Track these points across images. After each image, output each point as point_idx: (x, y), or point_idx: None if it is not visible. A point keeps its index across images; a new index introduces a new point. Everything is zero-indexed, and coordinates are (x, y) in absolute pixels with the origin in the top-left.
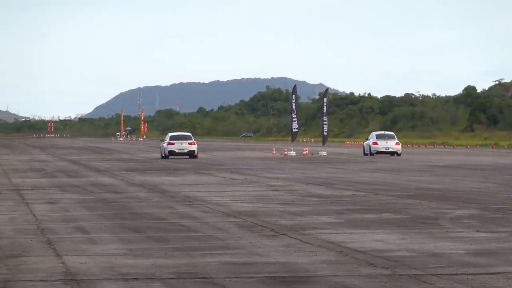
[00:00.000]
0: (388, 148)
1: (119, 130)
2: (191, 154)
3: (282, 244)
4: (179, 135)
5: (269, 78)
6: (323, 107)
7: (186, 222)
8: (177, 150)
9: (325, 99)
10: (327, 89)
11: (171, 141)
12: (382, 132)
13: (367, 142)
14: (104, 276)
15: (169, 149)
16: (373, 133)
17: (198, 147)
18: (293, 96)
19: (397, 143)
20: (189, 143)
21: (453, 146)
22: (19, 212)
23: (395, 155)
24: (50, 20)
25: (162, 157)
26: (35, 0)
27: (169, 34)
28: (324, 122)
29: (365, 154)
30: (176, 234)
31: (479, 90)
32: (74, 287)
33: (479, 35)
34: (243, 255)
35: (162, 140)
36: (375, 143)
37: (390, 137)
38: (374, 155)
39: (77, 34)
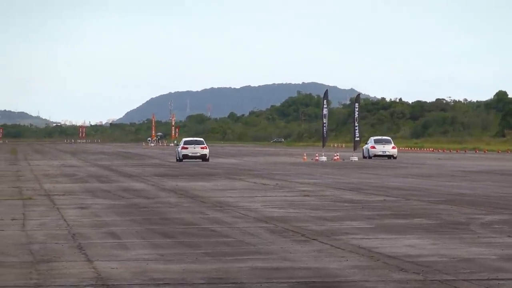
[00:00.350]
0: (385, 151)
1: (150, 135)
2: (203, 158)
3: (313, 249)
4: (193, 140)
5: (300, 83)
6: (355, 112)
7: (217, 227)
8: (190, 154)
9: (356, 104)
10: (358, 94)
11: (185, 146)
12: (380, 137)
13: (366, 146)
14: (135, 281)
15: (183, 153)
16: (371, 138)
17: (211, 151)
18: (325, 101)
19: (393, 147)
20: (201, 148)
21: (484, 152)
22: (50, 217)
23: (392, 158)
24: (81, 25)
25: (177, 160)
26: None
27: (200, 39)
28: (356, 127)
29: (364, 157)
30: (207, 239)
31: (510, 95)
32: None
33: (511, 40)
34: (274, 260)
35: (177, 145)
36: (373, 147)
37: (387, 142)
38: (372, 158)
39: (109, 39)
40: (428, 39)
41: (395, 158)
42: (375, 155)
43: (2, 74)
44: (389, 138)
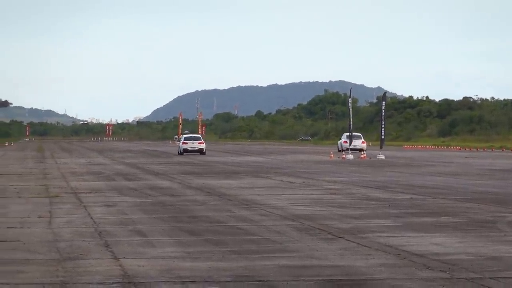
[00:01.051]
0: (356, 146)
1: (177, 134)
2: (200, 151)
3: (339, 247)
4: (192, 136)
5: (327, 81)
6: (381, 111)
7: (243, 225)
8: (189, 148)
9: (383, 103)
10: (385, 93)
11: (185, 141)
12: (352, 134)
13: (340, 141)
14: (161, 279)
15: (183, 147)
16: (344, 134)
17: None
18: (350, 99)
19: (362, 142)
20: (199, 143)
21: (511, 150)
22: (77, 215)
23: (361, 151)
24: (109, 23)
25: (178, 153)
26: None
27: (227, 38)
28: (382, 126)
29: (339, 150)
30: (233, 237)
31: None
32: None
33: None
34: (300, 258)
35: (179, 141)
36: (346, 142)
37: (358, 138)
38: (345, 151)
39: (137, 37)
40: (456, 38)
41: (364, 151)
42: (347, 149)
43: (29, 73)
44: (359, 134)
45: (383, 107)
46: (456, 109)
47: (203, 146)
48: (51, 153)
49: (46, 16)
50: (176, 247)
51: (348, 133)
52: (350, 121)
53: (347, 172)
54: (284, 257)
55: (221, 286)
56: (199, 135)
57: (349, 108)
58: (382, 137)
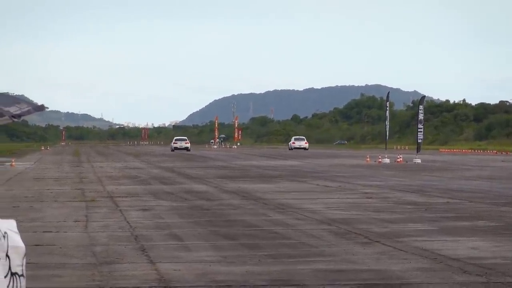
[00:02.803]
0: (301, 145)
1: (213, 138)
2: (186, 149)
3: (375, 251)
4: (180, 138)
5: (363, 85)
6: (419, 114)
7: (279, 229)
8: (178, 147)
9: (421, 107)
10: (423, 97)
11: (175, 142)
12: (298, 136)
13: (290, 142)
14: (197, 283)
15: (174, 146)
16: (293, 137)
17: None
18: (387, 103)
19: (305, 143)
20: (185, 143)
21: None
22: (113, 219)
23: (304, 149)
24: (146, 27)
25: (171, 150)
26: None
27: (263, 42)
28: (419, 130)
29: (290, 149)
30: (269, 241)
31: None
32: None
33: None
34: (336, 262)
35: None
36: (294, 143)
37: (302, 140)
38: (293, 149)
39: (173, 41)
40: (492, 41)
41: (307, 149)
42: (295, 148)
43: (65, 77)
44: (303, 137)
45: (421, 111)
46: (492, 113)
47: (188, 145)
48: (87, 157)
49: (83, 19)
50: (212, 251)
51: (295, 136)
52: (386, 125)
53: (383, 176)
54: (320, 261)
55: None
56: (185, 137)
57: (386, 112)
58: (419, 141)
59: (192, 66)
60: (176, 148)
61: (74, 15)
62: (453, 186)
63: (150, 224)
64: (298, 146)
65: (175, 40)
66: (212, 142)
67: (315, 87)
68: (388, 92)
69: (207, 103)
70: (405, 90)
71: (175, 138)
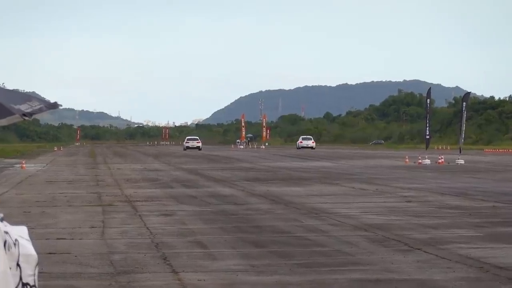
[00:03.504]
0: (308, 144)
1: (239, 137)
2: (198, 148)
3: (416, 259)
4: (192, 138)
5: (401, 81)
6: (462, 112)
7: (312, 235)
8: (190, 146)
9: (464, 104)
10: (468, 93)
11: (187, 141)
12: (305, 136)
13: (298, 141)
14: None
15: (186, 145)
16: (301, 136)
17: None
18: (428, 100)
19: (312, 142)
20: (197, 142)
21: None
22: (132, 225)
23: (311, 148)
24: (166, 22)
25: (184, 149)
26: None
27: (293, 34)
28: (463, 128)
29: (297, 148)
30: (301, 249)
31: None
32: None
33: None
34: (374, 271)
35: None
36: (301, 142)
37: (309, 139)
38: (300, 148)
39: (195, 35)
40: None
41: (313, 148)
42: (302, 147)
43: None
44: (310, 136)
45: (464, 109)
46: None
47: (199, 144)
48: (103, 158)
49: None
50: (239, 259)
51: (302, 136)
52: (427, 124)
53: (424, 178)
54: (356, 270)
55: None
56: (197, 137)
57: (426, 110)
58: (462, 140)
59: (216, 61)
60: (188, 147)
61: (89, 6)
62: (499, 189)
63: (172, 231)
64: (305, 145)
65: (198, 33)
66: (238, 142)
67: (349, 83)
68: (430, 88)
69: (232, 100)
70: (446, 85)
71: (187, 137)
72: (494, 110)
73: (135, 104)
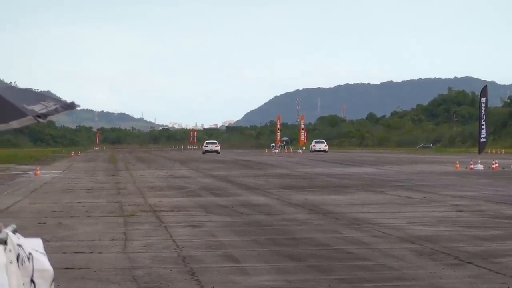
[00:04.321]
0: (320, 148)
1: (274, 141)
2: (216, 151)
3: (468, 274)
4: (210, 142)
5: (452, 78)
6: None
7: (353, 248)
8: (209, 149)
9: None
10: None
11: (206, 145)
12: (318, 140)
13: (311, 145)
14: None
15: (205, 149)
16: (314, 140)
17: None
18: (482, 99)
19: (325, 145)
20: (215, 146)
21: None
22: (156, 237)
23: (323, 152)
24: (194, 12)
25: (203, 153)
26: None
27: (332, 28)
28: None
29: (310, 152)
30: (342, 263)
31: None
32: None
33: None
34: (421, 287)
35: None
36: (314, 146)
37: (322, 142)
38: (314, 152)
39: (225, 28)
40: None
41: (326, 152)
42: (315, 150)
43: (99, 70)
44: (323, 140)
45: None
46: None
47: (218, 148)
48: (125, 164)
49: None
50: (274, 274)
51: (315, 140)
52: (482, 125)
53: (476, 185)
54: (402, 286)
55: None
56: (215, 141)
57: (481, 110)
58: None
59: (249, 57)
60: (207, 151)
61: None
62: None
63: (201, 243)
64: (318, 149)
65: (229, 26)
66: (273, 146)
67: (394, 80)
68: (485, 86)
69: (266, 100)
70: (501, 83)
71: (206, 142)
72: None
73: (160, 105)
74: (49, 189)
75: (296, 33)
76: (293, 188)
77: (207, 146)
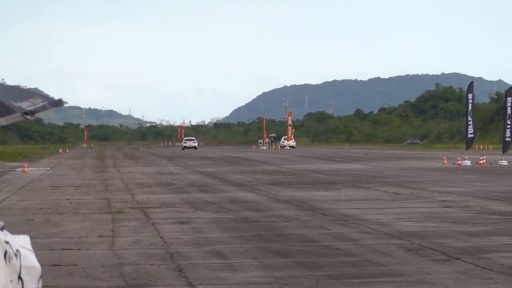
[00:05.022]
0: (289, 144)
1: (262, 137)
2: (194, 147)
3: (455, 270)
4: (189, 138)
5: (439, 74)
6: (506, 108)
7: (341, 244)
8: (188, 145)
9: (509, 99)
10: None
11: (185, 142)
12: (286, 136)
13: (280, 142)
14: None
15: (184, 145)
16: (283, 137)
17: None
18: (469, 95)
19: (293, 142)
20: (193, 142)
21: None
22: (144, 234)
23: (292, 148)
24: (180, 8)
25: (182, 149)
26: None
27: (319, 23)
28: (507, 126)
29: (281, 147)
30: (329, 259)
31: None
32: None
33: None
34: (409, 283)
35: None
36: (283, 142)
37: (290, 139)
38: (283, 148)
39: (212, 24)
40: None
41: (294, 147)
42: (283, 146)
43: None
44: (286, 137)
45: (509, 104)
46: None
47: (195, 144)
48: (113, 161)
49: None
50: (261, 271)
51: (285, 136)
52: (469, 121)
53: (463, 180)
54: (389, 282)
55: None
56: (193, 138)
57: (468, 105)
58: (506, 139)
59: (235, 53)
60: (186, 147)
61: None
62: None
63: (188, 240)
64: (286, 145)
65: (215, 22)
66: (260, 143)
67: (381, 77)
68: (472, 82)
69: (254, 96)
70: (488, 79)
71: (184, 138)
72: None
73: (147, 101)
74: (37, 186)
75: (284, 29)
76: (281, 185)
77: (185, 143)
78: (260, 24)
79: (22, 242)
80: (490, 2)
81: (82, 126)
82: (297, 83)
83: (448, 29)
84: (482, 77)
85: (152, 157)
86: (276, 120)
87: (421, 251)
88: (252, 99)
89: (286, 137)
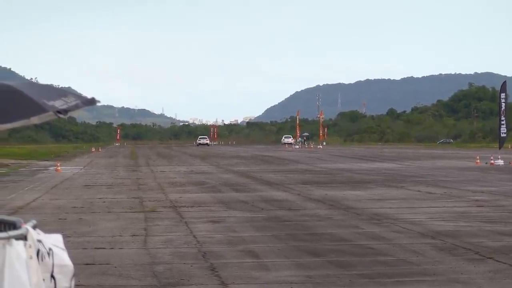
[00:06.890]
0: (289, 141)
1: (294, 136)
2: (207, 144)
3: (488, 269)
4: (202, 137)
5: (472, 73)
6: (500, 104)
7: (374, 244)
8: (202, 143)
9: (502, 95)
10: None
11: (199, 139)
12: (287, 135)
13: (281, 139)
14: None
15: (198, 142)
16: (284, 136)
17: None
18: (502, 94)
19: (292, 139)
20: (206, 140)
21: None
22: (177, 233)
23: (292, 145)
24: (214, 8)
25: (196, 145)
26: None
27: (352, 23)
28: (502, 122)
29: (282, 144)
30: (362, 258)
31: None
32: None
33: None
34: (442, 282)
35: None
36: (283, 139)
37: (288, 137)
38: (284, 144)
39: (245, 23)
40: None
41: (294, 145)
42: (284, 143)
43: (119, 66)
44: (290, 135)
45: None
46: None
47: (207, 141)
48: (146, 160)
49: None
50: (294, 270)
51: (285, 135)
52: (502, 120)
53: (497, 180)
54: (422, 282)
55: None
56: (206, 136)
57: (500, 105)
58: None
59: (269, 53)
60: (200, 144)
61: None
62: None
63: (221, 239)
64: (286, 142)
65: (248, 22)
66: (289, 140)
67: (414, 76)
68: (504, 82)
69: (287, 95)
70: None
71: (199, 137)
72: None
73: (181, 100)
74: (70, 185)
75: (317, 29)
76: (314, 184)
77: (200, 140)
78: (293, 23)
79: (54, 241)
80: None
81: (115, 125)
82: (330, 82)
83: (481, 29)
84: None
85: (185, 156)
86: (309, 119)
87: (454, 251)
88: (285, 98)
89: (286, 135)
